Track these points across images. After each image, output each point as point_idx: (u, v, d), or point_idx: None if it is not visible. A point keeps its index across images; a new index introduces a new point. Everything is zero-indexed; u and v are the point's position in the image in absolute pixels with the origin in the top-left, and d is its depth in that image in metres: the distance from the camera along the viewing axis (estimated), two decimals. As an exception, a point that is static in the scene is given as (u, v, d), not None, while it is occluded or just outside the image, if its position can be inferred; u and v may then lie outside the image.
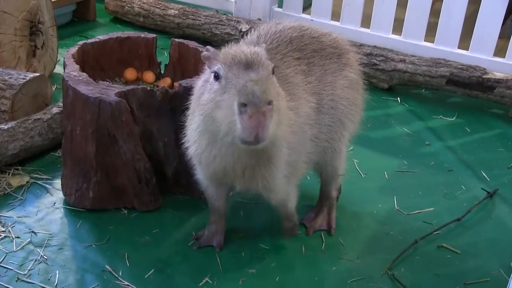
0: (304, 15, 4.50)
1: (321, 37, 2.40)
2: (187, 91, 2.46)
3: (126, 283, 2.24)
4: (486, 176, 3.10)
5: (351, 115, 2.43)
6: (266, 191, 2.20)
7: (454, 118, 3.71)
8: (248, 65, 1.87)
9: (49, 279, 2.24)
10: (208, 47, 2.00)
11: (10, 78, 2.98)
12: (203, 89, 1.99)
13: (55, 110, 3.00)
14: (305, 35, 2.36)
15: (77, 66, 2.60)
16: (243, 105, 1.76)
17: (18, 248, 2.37)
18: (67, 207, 2.63)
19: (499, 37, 3.90)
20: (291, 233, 2.52)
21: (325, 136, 2.36)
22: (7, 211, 2.57)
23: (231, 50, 1.94)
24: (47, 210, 2.61)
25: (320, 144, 2.35)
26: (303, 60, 2.30)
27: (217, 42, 4.39)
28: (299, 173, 2.32)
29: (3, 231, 2.45)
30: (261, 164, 2.07)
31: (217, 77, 1.90)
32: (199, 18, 4.42)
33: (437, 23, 4.05)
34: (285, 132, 2.04)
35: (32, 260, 2.32)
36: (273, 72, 1.93)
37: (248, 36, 2.36)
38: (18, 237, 2.43)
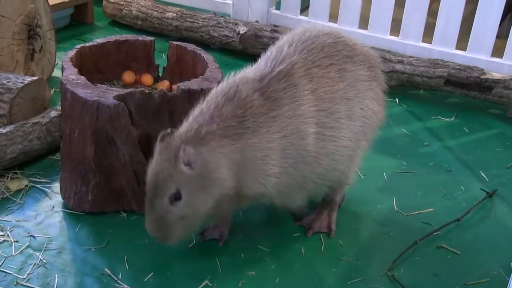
0: (301, 17, 4.50)
1: (355, 45, 2.41)
2: (185, 94, 2.47)
3: (126, 286, 2.23)
4: (485, 176, 3.10)
5: (372, 128, 2.43)
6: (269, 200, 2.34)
7: (453, 118, 3.71)
8: (150, 200, 2.12)
9: (48, 283, 2.23)
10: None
11: (8, 82, 2.98)
12: None
13: (53, 113, 2.99)
14: (339, 42, 2.36)
15: (75, 70, 2.60)
16: None
17: (17, 252, 2.37)
18: (66, 210, 2.62)
19: (497, 37, 3.91)
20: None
21: (353, 144, 2.35)
22: (6, 215, 2.57)
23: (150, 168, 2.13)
24: (46, 214, 2.60)
25: (347, 152, 2.34)
26: (334, 66, 2.29)
27: (215, 44, 4.39)
28: (308, 187, 2.35)
29: (1, 235, 2.45)
30: (242, 199, 2.24)
31: None
32: (197, 21, 4.42)
33: (434, 24, 4.06)
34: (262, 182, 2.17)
35: (31, 264, 2.31)
36: (177, 198, 2.06)
37: (279, 41, 2.36)
38: (17, 241, 2.43)
